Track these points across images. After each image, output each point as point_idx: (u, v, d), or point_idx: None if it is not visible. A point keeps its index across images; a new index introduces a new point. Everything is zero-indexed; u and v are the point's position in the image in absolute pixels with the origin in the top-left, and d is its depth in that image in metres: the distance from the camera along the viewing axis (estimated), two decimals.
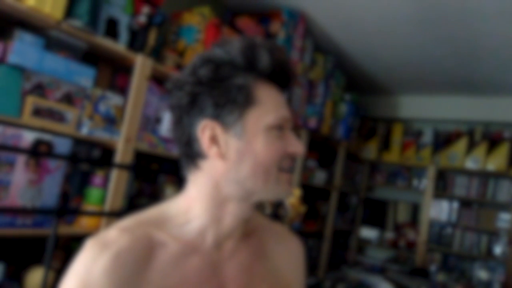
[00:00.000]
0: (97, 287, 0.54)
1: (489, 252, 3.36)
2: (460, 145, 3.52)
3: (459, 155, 3.50)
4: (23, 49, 1.24)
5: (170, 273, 0.59)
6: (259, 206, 1.96)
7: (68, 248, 1.52)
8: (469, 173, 3.53)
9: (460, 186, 3.54)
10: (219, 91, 0.60)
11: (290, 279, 0.73)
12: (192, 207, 0.65)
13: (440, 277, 3.07)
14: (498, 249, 3.31)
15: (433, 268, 3.23)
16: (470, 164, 3.43)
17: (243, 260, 0.66)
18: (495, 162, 3.34)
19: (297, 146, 0.64)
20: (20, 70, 1.26)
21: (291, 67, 0.67)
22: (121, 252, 0.57)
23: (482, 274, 3.12)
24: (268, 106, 0.63)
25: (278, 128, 0.63)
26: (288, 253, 0.75)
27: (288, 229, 0.82)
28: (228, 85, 0.60)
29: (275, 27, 2.30)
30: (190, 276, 0.60)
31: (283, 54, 0.66)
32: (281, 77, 0.66)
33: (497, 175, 3.40)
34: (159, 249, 0.60)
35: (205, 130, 0.61)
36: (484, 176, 3.47)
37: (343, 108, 3.26)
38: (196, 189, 0.65)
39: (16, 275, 1.36)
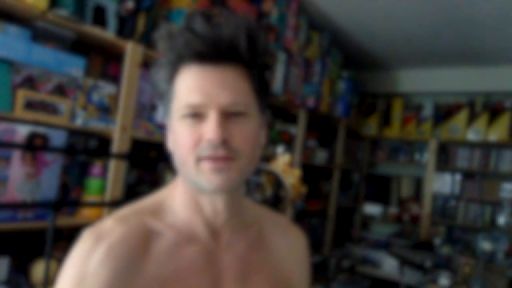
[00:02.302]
0: (94, 278, 0.54)
1: (493, 222, 3.37)
2: (461, 117, 3.49)
3: (460, 127, 3.48)
4: (9, 41, 1.22)
5: (166, 263, 0.58)
6: (259, 188, 1.96)
7: (72, 239, 1.53)
8: (471, 145, 3.52)
9: (462, 158, 3.53)
10: (156, 91, 0.64)
11: (290, 271, 0.71)
12: (176, 195, 0.65)
13: (445, 250, 3.09)
14: (501, 220, 3.32)
15: (437, 241, 3.25)
16: (472, 135, 3.41)
17: (240, 251, 0.65)
18: (497, 133, 3.32)
19: (208, 132, 0.55)
20: (8, 64, 1.25)
21: (226, 35, 0.56)
22: (116, 243, 0.57)
23: (485, 245, 3.14)
24: (181, 95, 0.58)
25: (190, 115, 0.57)
26: (289, 245, 0.74)
27: (291, 221, 0.80)
28: (157, 84, 0.63)
29: (268, 6, 2.25)
30: (185, 266, 0.59)
31: (212, 25, 0.56)
32: (215, 55, 0.57)
33: (499, 146, 3.39)
34: (154, 239, 0.60)
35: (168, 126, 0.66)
36: (486, 147, 3.46)
37: (341, 86, 3.23)
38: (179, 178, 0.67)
39: (22, 268, 1.38)
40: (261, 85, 0.63)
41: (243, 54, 0.58)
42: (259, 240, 0.70)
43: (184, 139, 0.58)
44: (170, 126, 0.63)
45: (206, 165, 0.56)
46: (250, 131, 0.59)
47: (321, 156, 3.06)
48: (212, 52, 0.57)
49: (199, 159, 0.57)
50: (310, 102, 2.72)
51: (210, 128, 0.56)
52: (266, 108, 0.66)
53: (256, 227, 0.70)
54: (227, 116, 0.57)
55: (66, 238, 1.53)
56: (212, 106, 0.56)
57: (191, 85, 0.57)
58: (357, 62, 3.61)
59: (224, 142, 0.56)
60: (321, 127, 3.24)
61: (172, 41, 0.58)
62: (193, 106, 0.57)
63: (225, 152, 0.56)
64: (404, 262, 2.94)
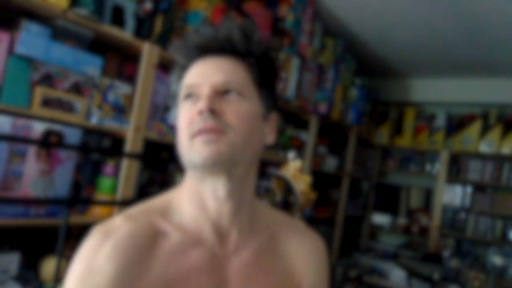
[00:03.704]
0: (100, 273, 0.55)
1: (504, 237, 3.31)
2: (474, 129, 3.45)
3: (473, 139, 3.43)
4: (30, 39, 1.23)
5: (171, 264, 0.59)
6: (269, 193, 1.95)
7: (81, 237, 1.54)
8: (483, 157, 3.47)
9: (474, 171, 3.48)
10: (171, 94, 0.70)
11: (301, 276, 0.70)
12: (183, 193, 0.66)
13: (454, 263, 3.05)
14: None
15: (446, 253, 3.20)
16: (484, 147, 3.36)
17: (248, 257, 0.65)
18: (510, 146, 3.27)
19: (199, 105, 0.59)
20: (28, 61, 1.26)
21: (226, 34, 0.64)
22: (123, 240, 0.57)
23: (496, 259, 3.09)
24: (183, 82, 0.64)
25: (188, 96, 0.62)
26: (305, 251, 0.72)
27: (309, 227, 0.78)
28: (171, 86, 0.69)
29: (283, 10, 2.25)
30: (190, 269, 0.59)
31: (213, 28, 0.64)
32: (214, 48, 0.64)
33: None
34: (161, 238, 0.60)
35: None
36: (498, 159, 3.41)
37: (354, 93, 3.22)
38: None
39: (32, 264, 1.38)
40: (263, 77, 0.66)
41: (237, 45, 0.64)
42: (270, 246, 0.69)
43: (181, 120, 0.62)
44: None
45: (198, 139, 0.58)
46: (244, 110, 0.61)
47: (331, 163, 3.04)
48: (211, 45, 0.64)
49: (193, 135, 0.59)
50: (322, 108, 2.71)
51: (200, 101, 0.60)
52: (271, 102, 0.68)
53: (269, 233, 0.70)
54: (221, 95, 0.61)
55: (76, 236, 1.54)
56: (205, 85, 0.61)
57: (191, 72, 0.64)
58: (370, 70, 3.60)
59: (213, 112, 0.58)
60: (332, 134, 3.23)
61: (181, 46, 0.66)
62: (189, 85, 0.62)
63: (215, 123, 0.58)
64: (412, 273, 2.90)
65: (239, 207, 0.64)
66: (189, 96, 0.62)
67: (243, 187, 0.64)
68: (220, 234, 0.64)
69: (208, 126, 0.58)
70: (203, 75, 0.62)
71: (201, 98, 0.60)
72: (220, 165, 0.58)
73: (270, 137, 0.68)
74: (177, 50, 0.66)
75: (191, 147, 0.59)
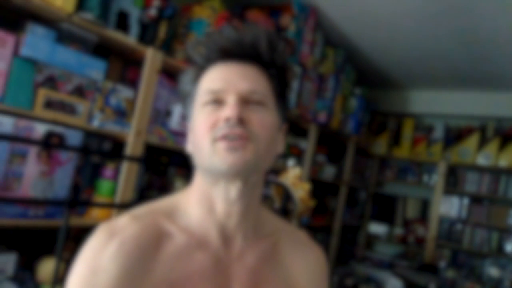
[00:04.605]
0: (104, 273, 0.55)
1: (500, 249, 3.32)
2: (472, 141, 3.47)
3: (471, 151, 3.45)
4: (35, 42, 1.25)
5: (175, 266, 0.59)
6: (268, 200, 1.96)
7: (79, 239, 1.54)
8: (481, 169, 3.49)
9: (471, 182, 3.50)
10: (182, 94, 0.69)
11: (301, 287, 0.69)
12: (191, 196, 0.66)
13: (449, 274, 3.05)
14: (509, 246, 3.27)
15: (442, 264, 3.21)
16: (482, 160, 3.38)
17: (251, 263, 0.65)
18: (507, 159, 3.29)
19: (226, 111, 0.58)
20: (32, 63, 1.27)
21: (250, 40, 0.62)
22: (128, 240, 0.57)
23: (492, 271, 3.09)
24: (204, 86, 0.63)
25: (210, 102, 0.61)
26: (305, 262, 0.72)
27: (311, 238, 0.78)
28: (184, 86, 0.67)
29: (286, 20, 2.28)
30: (194, 272, 0.59)
31: (237, 31, 0.63)
32: (238, 53, 0.63)
33: (509, 172, 3.36)
34: (166, 240, 0.60)
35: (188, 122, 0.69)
36: (495, 172, 3.43)
37: (353, 103, 3.24)
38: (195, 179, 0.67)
39: (29, 265, 1.38)
40: (280, 89, 0.66)
41: (262, 54, 0.63)
42: (273, 253, 0.69)
43: (201, 123, 0.60)
44: (191, 125, 0.66)
45: (221, 145, 0.57)
46: (268, 120, 0.61)
47: (329, 172, 3.05)
48: (235, 49, 0.62)
49: (215, 140, 0.58)
50: (322, 117, 2.72)
51: (227, 108, 0.58)
52: (284, 114, 0.68)
53: (272, 240, 0.70)
54: (246, 104, 0.60)
55: (73, 238, 1.54)
56: (231, 92, 0.60)
57: (213, 76, 0.62)
58: (369, 80, 3.63)
59: (241, 121, 0.58)
60: (331, 143, 3.24)
61: (201, 45, 0.64)
62: (214, 91, 0.61)
63: (242, 131, 0.58)
64: (408, 283, 2.89)
65: (248, 210, 0.64)
66: (212, 101, 0.61)
67: (253, 191, 0.65)
68: (226, 238, 0.64)
69: (235, 132, 0.57)
70: (228, 81, 0.60)
71: (226, 104, 0.59)
72: (244, 173, 0.59)
73: (280, 147, 0.68)
74: (196, 49, 0.64)
75: (213, 152, 0.58)
